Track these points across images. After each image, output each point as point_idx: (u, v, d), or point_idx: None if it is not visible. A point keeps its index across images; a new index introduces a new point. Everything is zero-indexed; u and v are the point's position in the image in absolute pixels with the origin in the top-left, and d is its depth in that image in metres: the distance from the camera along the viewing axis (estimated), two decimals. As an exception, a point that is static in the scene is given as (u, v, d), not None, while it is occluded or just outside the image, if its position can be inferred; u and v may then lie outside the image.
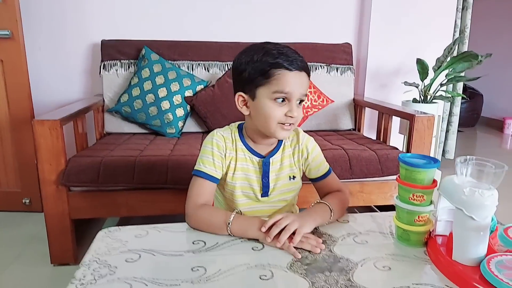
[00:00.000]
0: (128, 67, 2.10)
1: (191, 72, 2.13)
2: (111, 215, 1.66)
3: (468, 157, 0.70)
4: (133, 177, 1.48)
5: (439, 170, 2.52)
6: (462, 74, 2.47)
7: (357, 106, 2.29)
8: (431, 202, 0.78)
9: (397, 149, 1.78)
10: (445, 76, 2.39)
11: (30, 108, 2.02)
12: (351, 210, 1.60)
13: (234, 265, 0.71)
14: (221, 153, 0.93)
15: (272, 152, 0.97)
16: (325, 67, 2.27)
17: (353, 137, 2.00)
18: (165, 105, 1.96)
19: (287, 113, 0.87)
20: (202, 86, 2.06)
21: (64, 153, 1.48)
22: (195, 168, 0.92)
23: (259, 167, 0.96)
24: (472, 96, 4.71)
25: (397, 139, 2.23)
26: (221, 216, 0.83)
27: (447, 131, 3.11)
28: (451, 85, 2.87)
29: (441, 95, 2.39)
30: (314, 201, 0.92)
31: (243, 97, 0.91)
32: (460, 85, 2.97)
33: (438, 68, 2.31)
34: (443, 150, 3.15)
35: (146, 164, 1.49)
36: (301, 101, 0.89)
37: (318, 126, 2.21)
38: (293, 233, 0.78)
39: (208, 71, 2.16)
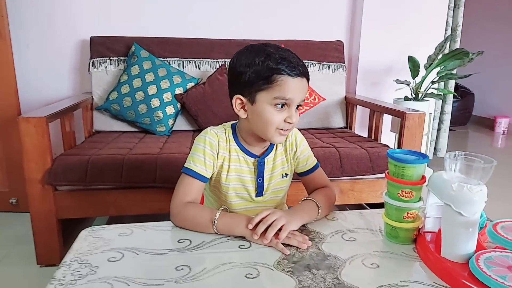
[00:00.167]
0: (118, 64, 2.07)
1: (182, 70, 2.11)
2: (100, 214, 1.63)
3: (457, 152, 0.69)
4: (121, 175, 1.45)
5: (430, 168, 2.53)
6: (454, 72, 2.48)
7: (349, 104, 2.29)
8: (420, 199, 0.77)
9: (388, 147, 1.78)
10: (437, 74, 2.39)
11: (17, 106, 1.99)
12: (342, 208, 1.60)
13: (219, 264, 0.69)
14: (213, 153, 0.90)
15: (267, 152, 0.96)
16: (317, 64, 2.26)
17: (345, 135, 2.00)
18: (155, 102, 1.93)
19: (287, 119, 0.85)
20: (192, 84, 2.04)
21: (50, 152, 1.46)
22: (185, 165, 0.90)
23: (254, 167, 0.94)
24: (463, 95, 4.73)
25: (388, 137, 2.23)
26: (207, 215, 0.82)
27: (438, 129, 3.12)
28: (443, 83, 2.87)
29: (432, 92, 2.39)
30: (302, 198, 0.91)
31: (241, 100, 0.88)
32: (451, 83, 2.98)
33: (429, 66, 2.31)
34: (435, 149, 3.16)
35: (134, 163, 1.47)
36: (300, 105, 0.88)
37: (309, 124, 2.20)
38: (280, 230, 0.77)
39: (199, 68, 2.14)
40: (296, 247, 0.75)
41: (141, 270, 0.68)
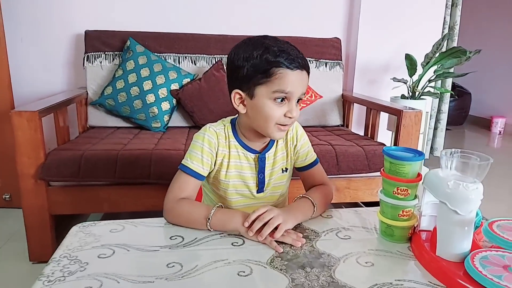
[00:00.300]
0: (113, 59, 2.05)
1: (178, 65, 2.09)
2: (93, 211, 1.62)
3: (453, 150, 0.69)
4: (115, 171, 1.44)
5: (426, 167, 2.53)
6: (451, 70, 2.47)
7: (346, 102, 2.28)
8: (416, 197, 0.76)
9: (384, 145, 1.77)
10: (434, 72, 2.39)
11: (10, 100, 1.96)
12: (338, 206, 1.58)
13: (211, 261, 0.68)
14: (212, 151, 0.89)
15: (267, 147, 0.94)
16: (314, 62, 2.25)
17: (341, 133, 1.99)
18: (150, 98, 1.91)
19: (287, 114, 0.83)
20: (188, 80, 2.02)
21: (43, 146, 1.44)
22: (182, 162, 0.88)
23: (255, 163, 0.92)
24: (460, 95, 4.74)
25: (385, 136, 2.23)
26: (202, 211, 0.80)
27: (435, 128, 3.12)
28: (440, 82, 2.87)
29: (429, 91, 2.39)
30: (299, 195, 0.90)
31: (240, 95, 0.86)
32: (449, 82, 2.98)
33: (426, 64, 2.31)
34: (431, 148, 3.17)
35: (128, 158, 1.46)
36: (300, 99, 0.86)
37: (306, 121, 2.19)
38: (276, 228, 0.75)
39: (195, 64, 2.13)
40: (290, 244, 0.74)
41: (132, 267, 0.67)
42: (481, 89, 4.96)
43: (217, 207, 0.80)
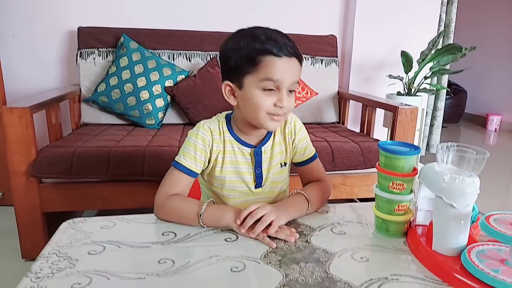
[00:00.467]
0: (106, 56, 2.03)
1: (172, 62, 2.07)
2: (85, 208, 1.60)
3: (449, 143, 0.68)
4: (107, 168, 1.42)
5: (422, 164, 2.54)
6: (447, 67, 2.47)
7: (342, 99, 2.27)
8: (411, 191, 0.75)
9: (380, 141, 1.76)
10: (429, 69, 2.38)
11: (2, 97, 1.94)
12: (333, 203, 1.58)
13: (204, 257, 0.67)
14: (205, 148, 0.87)
15: (264, 141, 0.91)
16: (310, 59, 2.24)
17: (337, 130, 1.98)
18: (144, 95, 1.89)
19: (276, 103, 0.80)
20: (183, 76, 2.00)
21: (35, 143, 1.42)
22: (175, 159, 0.86)
23: (251, 157, 0.90)
24: (456, 92, 4.75)
25: (381, 133, 2.22)
26: (194, 207, 0.79)
27: (431, 125, 3.12)
28: (435, 79, 2.87)
29: (425, 88, 2.39)
30: (294, 190, 0.88)
31: (230, 86, 0.84)
32: (444, 79, 2.98)
33: (422, 61, 2.30)
34: (427, 145, 3.17)
35: (121, 155, 1.44)
36: (292, 90, 0.83)
37: (301, 119, 2.10)
38: (269, 225, 0.74)
39: (189, 61, 2.11)
40: (284, 240, 0.73)
41: (123, 263, 0.65)
42: (477, 87, 4.97)
43: (208, 202, 0.79)
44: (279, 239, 0.73)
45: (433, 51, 2.29)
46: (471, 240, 0.66)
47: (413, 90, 2.36)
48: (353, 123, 2.36)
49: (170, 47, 2.08)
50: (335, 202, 0.95)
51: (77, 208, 1.56)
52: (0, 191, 2.02)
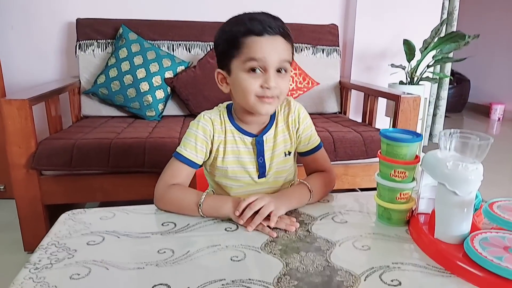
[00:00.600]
0: (105, 47, 2.01)
1: (172, 53, 2.05)
2: (86, 200, 1.60)
3: (452, 130, 0.66)
4: (108, 160, 1.41)
5: (424, 153, 2.52)
6: (450, 55, 2.44)
7: (343, 89, 2.25)
8: (414, 179, 0.74)
9: (382, 131, 1.74)
10: (432, 58, 2.36)
11: (1, 89, 1.93)
12: (335, 193, 1.57)
13: (204, 247, 0.66)
14: (206, 138, 0.86)
15: (265, 130, 0.89)
16: (311, 48, 2.22)
17: (339, 120, 1.96)
18: (144, 86, 1.88)
19: (263, 84, 0.78)
20: (183, 67, 1.99)
21: (34, 135, 1.41)
22: (176, 150, 0.86)
23: (253, 147, 0.88)
24: (459, 81, 4.71)
25: (383, 123, 2.20)
26: (193, 197, 0.78)
27: (434, 115, 3.10)
28: (438, 67, 2.84)
29: (428, 76, 2.36)
30: (297, 179, 0.87)
31: (222, 74, 0.84)
32: (447, 68, 2.95)
33: (425, 49, 2.27)
34: (430, 134, 3.15)
35: (121, 147, 1.43)
36: (283, 70, 0.80)
37: None
38: (268, 216, 0.73)
39: (189, 51, 2.09)
40: (284, 229, 0.72)
41: (122, 253, 0.65)
42: (480, 76, 4.93)
43: (207, 192, 0.78)
44: (280, 228, 0.73)
45: (436, 39, 2.26)
46: (474, 227, 0.65)
47: (415, 79, 2.33)
48: (355, 113, 2.34)
49: (169, 38, 2.06)
50: (337, 192, 0.94)
51: (78, 200, 1.55)
52: (1, 184, 2.02)
